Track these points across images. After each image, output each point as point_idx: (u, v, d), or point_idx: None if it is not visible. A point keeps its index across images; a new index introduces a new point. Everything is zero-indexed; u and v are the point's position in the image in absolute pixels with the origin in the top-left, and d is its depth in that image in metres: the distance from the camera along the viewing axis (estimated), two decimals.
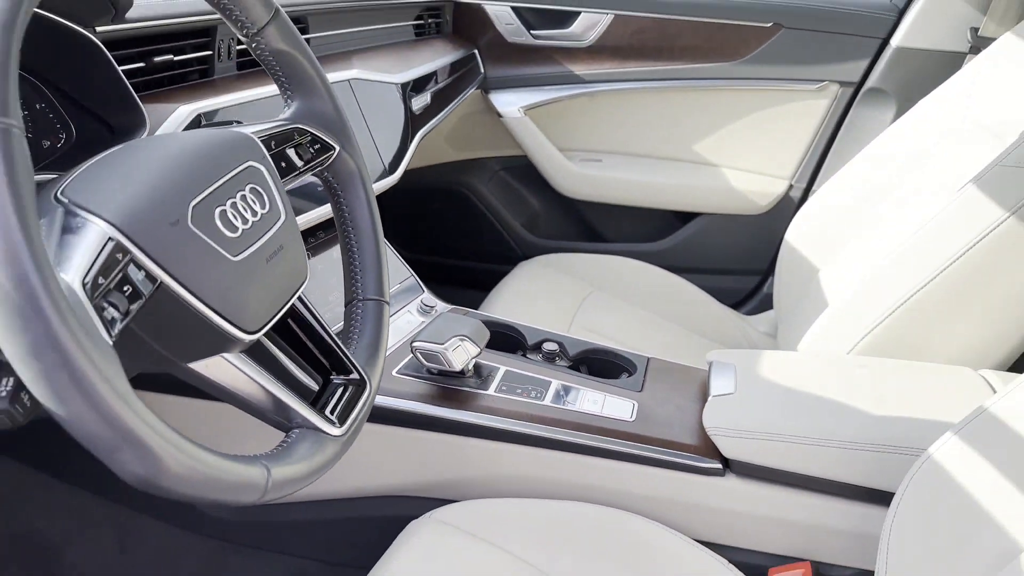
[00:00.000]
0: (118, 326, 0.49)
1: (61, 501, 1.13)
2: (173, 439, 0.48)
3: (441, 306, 1.18)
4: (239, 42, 1.04)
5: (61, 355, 0.43)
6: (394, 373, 1.00)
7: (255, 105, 0.97)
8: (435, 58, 1.53)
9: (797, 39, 1.71)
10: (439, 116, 1.47)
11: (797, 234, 1.48)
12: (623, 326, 1.42)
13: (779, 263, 1.52)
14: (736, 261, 1.86)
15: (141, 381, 0.71)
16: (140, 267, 0.52)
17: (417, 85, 1.40)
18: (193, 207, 0.56)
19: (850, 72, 1.71)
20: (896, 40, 1.67)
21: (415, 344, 0.97)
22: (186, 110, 0.87)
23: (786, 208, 1.77)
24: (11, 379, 0.55)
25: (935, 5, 1.62)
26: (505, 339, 1.13)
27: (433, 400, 0.98)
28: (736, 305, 1.80)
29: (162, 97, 0.90)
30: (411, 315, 1.14)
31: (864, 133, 1.64)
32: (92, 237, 0.51)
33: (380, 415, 0.97)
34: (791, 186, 1.80)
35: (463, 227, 1.99)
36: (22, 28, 0.46)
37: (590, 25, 1.76)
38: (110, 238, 0.51)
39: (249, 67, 1.06)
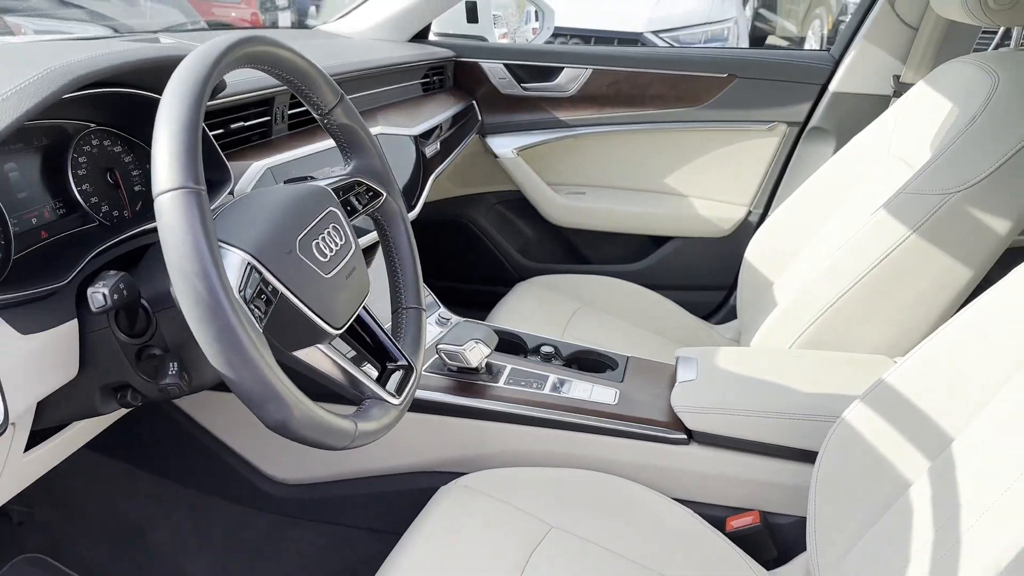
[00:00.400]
0: (263, 322, 0.71)
1: (144, 489, 1.32)
2: (301, 398, 0.69)
3: (455, 319, 1.40)
4: (290, 107, 1.27)
5: (235, 339, 0.64)
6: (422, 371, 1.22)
7: (308, 159, 1.19)
8: (441, 111, 1.73)
9: (749, 87, 1.90)
10: (447, 160, 1.67)
11: (755, 252, 1.67)
12: (608, 335, 1.60)
13: (740, 278, 1.70)
14: (705, 278, 2.03)
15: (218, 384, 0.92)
16: (267, 283, 0.73)
17: (427, 134, 1.62)
18: (299, 240, 0.77)
19: (795, 114, 1.91)
20: (833, 86, 1.87)
21: (440, 346, 1.19)
22: (258, 166, 1.10)
23: (746, 230, 1.94)
24: (176, 363, 0.78)
25: (864, 56, 1.83)
26: (510, 344, 1.34)
27: (454, 391, 1.19)
28: (706, 316, 1.97)
29: (237, 156, 1.12)
30: (431, 326, 1.35)
31: (809, 165, 1.83)
32: (236, 262, 0.72)
33: (412, 404, 1.18)
34: (749, 211, 1.99)
35: (465, 253, 2.15)
36: (201, 123, 0.69)
37: (572, 78, 1.95)
38: (248, 263, 0.72)
39: (298, 128, 1.29)
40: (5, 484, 0.86)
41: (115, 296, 0.72)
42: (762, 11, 7.97)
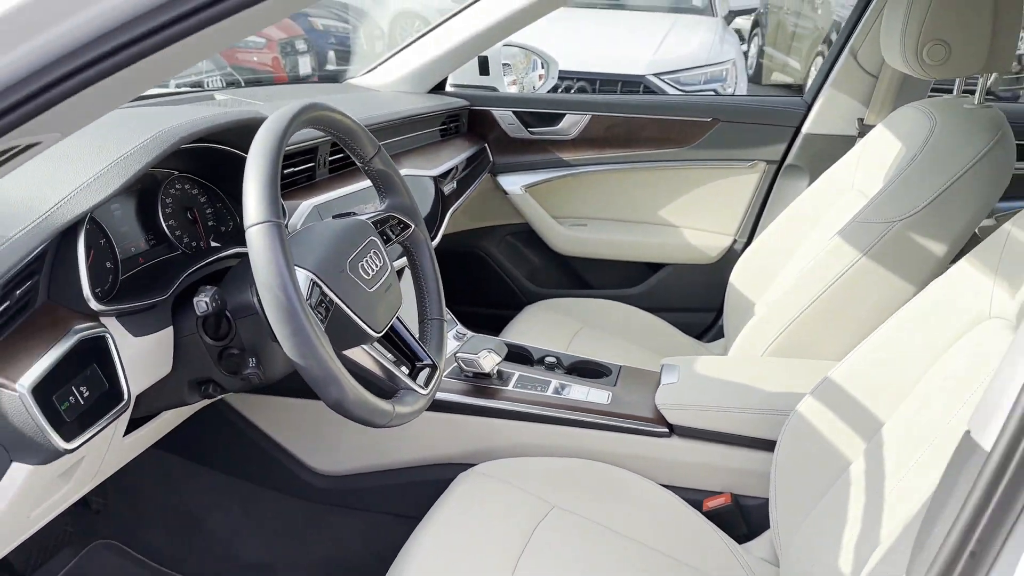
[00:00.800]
0: (324, 324, 0.92)
1: (201, 481, 1.50)
2: (355, 383, 0.89)
3: (471, 334, 1.60)
4: (331, 154, 1.49)
5: (306, 336, 0.84)
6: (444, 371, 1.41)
7: (346, 198, 1.40)
8: (457, 154, 1.93)
9: (732, 129, 2.09)
10: (463, 197, 1.87)
11: (739, 276, 1.84)
12: (607, 352, 1.73)
13: (726, 299, 1.87)
14: (695, 300, 2.19)
15: (269, 389, 1.10)
16: (326, 295, 0.94)
17: (445, 175, 1.82)
18: (348, 262, 0.97)
19: (773, 153, 2.09)
20: (806, 128, 2.06)
21: (458, 355, 1.39)
22: (308, 204, 1.31)
23: (732, 257, 2.09)
24: (255, 358, 0.99)
25: (832, 101, 2.04)
26: (518, 355, 1.51)
27: (470, 394, 1.37)
28: (698, 336, 2.13)
29: (288, 196, 1.33)
30: (450, 341, 1.55)
31: (786, 198, 2.00)
32: (303, 278, 0.92)
33: (434, 405, 1.34)
34: (735, 240, 2.16)
35: (479, 280, 2.32)
36: (279, 172, 0.90)
37: (574, 123, 2.14)
38: (312, 280, 0.93)
39: (336, 172, 1.50)
40: (108, 463, 1.06)
41: (214, 304, 0.93)
42: (767, 48, 8.26)
